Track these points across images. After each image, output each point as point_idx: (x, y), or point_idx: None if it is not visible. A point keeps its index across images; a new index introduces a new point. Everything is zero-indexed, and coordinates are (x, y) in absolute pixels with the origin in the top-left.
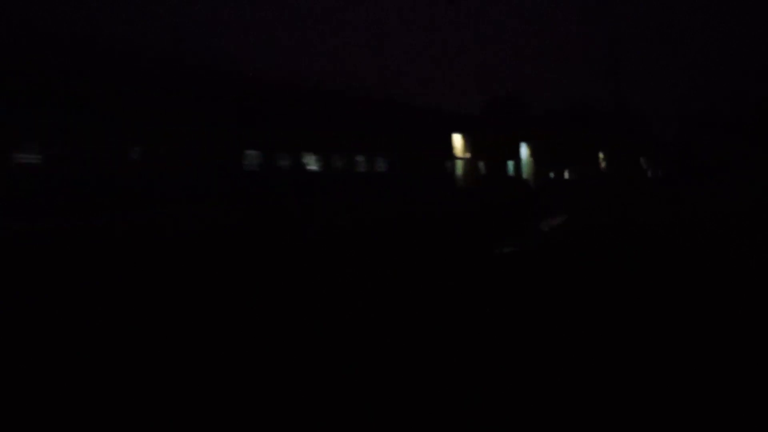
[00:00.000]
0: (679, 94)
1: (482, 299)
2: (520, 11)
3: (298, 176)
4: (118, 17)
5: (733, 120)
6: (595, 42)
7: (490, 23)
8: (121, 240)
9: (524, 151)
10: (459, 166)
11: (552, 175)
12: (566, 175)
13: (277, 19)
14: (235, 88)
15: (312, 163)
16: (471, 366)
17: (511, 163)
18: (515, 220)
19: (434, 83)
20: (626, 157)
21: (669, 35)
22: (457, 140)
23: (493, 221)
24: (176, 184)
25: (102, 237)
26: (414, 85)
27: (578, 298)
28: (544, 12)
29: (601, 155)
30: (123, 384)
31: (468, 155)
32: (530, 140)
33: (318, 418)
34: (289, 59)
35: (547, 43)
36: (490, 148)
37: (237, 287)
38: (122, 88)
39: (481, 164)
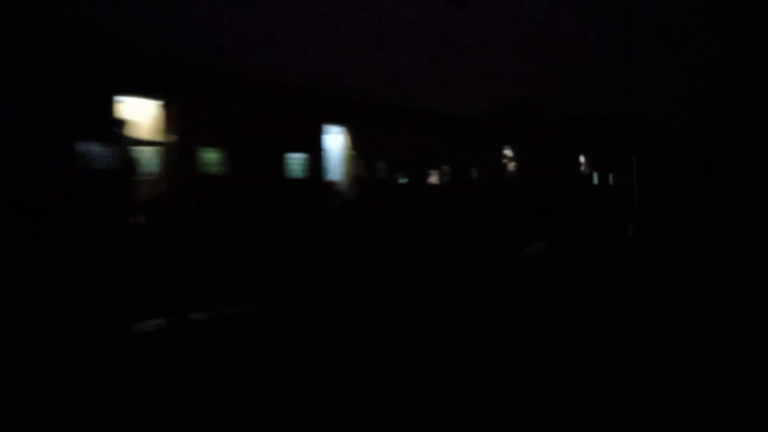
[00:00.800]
0: (692, 102)
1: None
2: (533, 17)
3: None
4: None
5: (745, 128)
6: (606, 48)
7: (502, 29)
8: None
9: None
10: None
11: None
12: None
13: (289, 23)
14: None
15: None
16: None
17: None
18: None
19: (444, 87)
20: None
21: (683, 42)
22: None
23: None
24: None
25: None
26: (424, 88)
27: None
28: (555, 19)
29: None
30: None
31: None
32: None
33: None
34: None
35: (560, 51)
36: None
37: None
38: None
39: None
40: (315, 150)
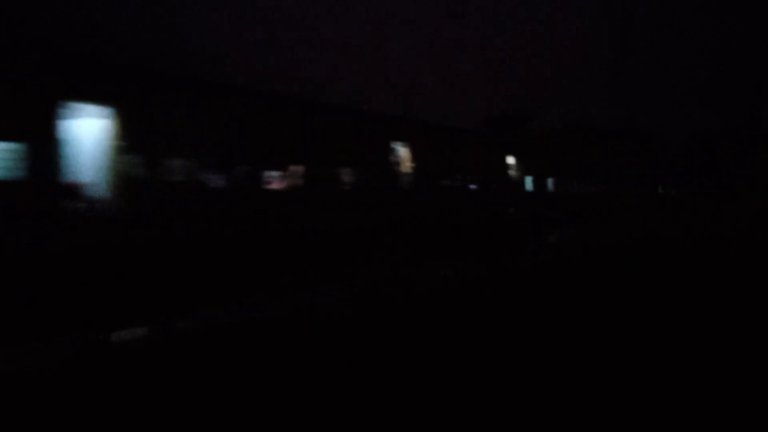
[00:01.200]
0: (692, 107)
1: None
2: (527, 25)
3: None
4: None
5: (740, 135)
6: (601, 57)
7: (495, 39)
8: None
9: None
10: None
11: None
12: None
13: (274, 31)
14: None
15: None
16: None
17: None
18: None
19: (440, 96)
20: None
21: (680, 49)
22: None
23: None
24: None
25: None
26: (418, 98)
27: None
28: (549, 28)
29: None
30: None
31: None
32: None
33: None
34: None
35: (555, 61)
36: None
37: None
38: None
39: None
40: (41, 137)
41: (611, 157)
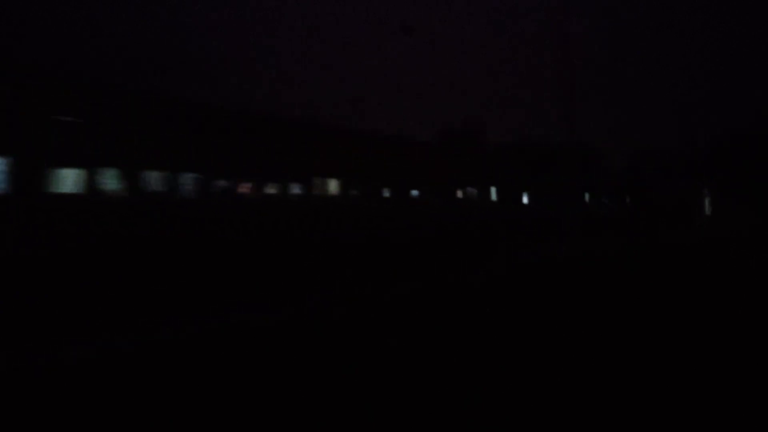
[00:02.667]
0: (632, 129)
1: None
2: (476, 41)
3: None
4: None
5: (683, 156)
6: (548, 75)
7: (444, 54)
8: None
9: None
10: None
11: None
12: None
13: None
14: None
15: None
16: None
17: None
18: None
19: (390, 111)
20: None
21: (626, 69)
22: None
23: None
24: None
25: None
26: (371, 112)
27: None
28: (496, 45)
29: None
30: None
31: None
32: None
33: None
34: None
35: (501, 77)
36: None
37: None
38: None
39: None
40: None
41: (556, 173)
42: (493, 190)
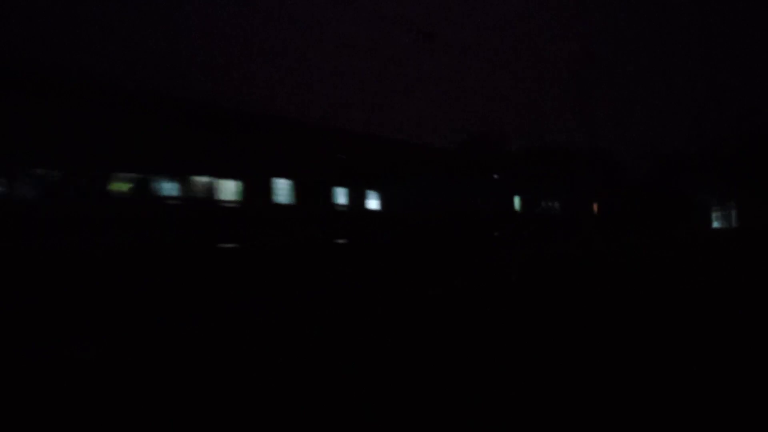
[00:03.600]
0: (655, 133)
1: None
2: (498, 46)
3: None
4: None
5: (707, 160)
6: (568, 80)
7: (466, 61)
8: None
9: None
10: None
11: None
12: None
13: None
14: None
15: None
16: None
17: None
18: None
19: (411, 119)
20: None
21: (647, 74)
22: None
23: None
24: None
25: None
26: (390, 120)
27: None
28: (521, 48)
29: None
30: None
31: None
32: None
33: None
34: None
35: (522, 82)
36: None
37: None
38: None
39: None
40: None
41: (572, 178)
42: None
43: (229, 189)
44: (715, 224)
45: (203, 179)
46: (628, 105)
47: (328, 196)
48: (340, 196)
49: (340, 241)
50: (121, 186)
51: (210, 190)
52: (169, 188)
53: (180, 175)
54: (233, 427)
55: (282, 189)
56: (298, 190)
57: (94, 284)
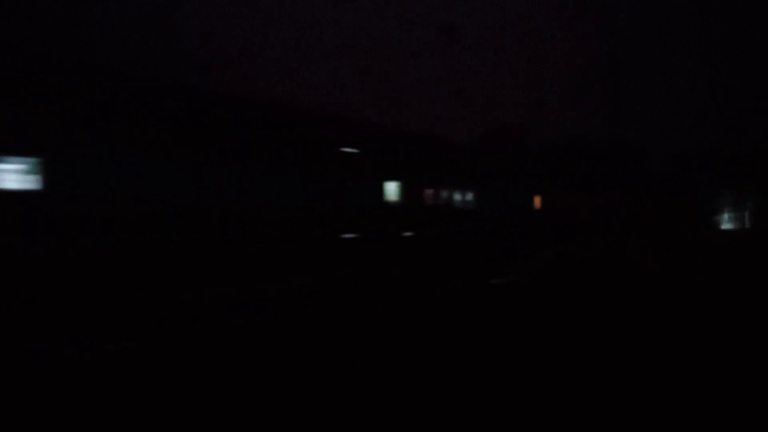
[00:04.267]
0: (678, 130)
1: None
2: (519, 41)
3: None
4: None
5: (722, 160)
6: (594, 74)
7: (487, 54)
8: None
9: None
10: None
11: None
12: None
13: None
14: None
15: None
16: None
17: None
18: None
19: (431, 112)
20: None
21: (671, 68)
22: None
23: None
24: None
25: None
26: (412, 113)
27: None
28: (540, 42)
29: None
30: None
31: None
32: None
33: None
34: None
35: (546, 75)
36: None
37: None
38: None
39: None
40: None
41: (594, 173)
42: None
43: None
44: (728, 225)
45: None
46: (650, 102)
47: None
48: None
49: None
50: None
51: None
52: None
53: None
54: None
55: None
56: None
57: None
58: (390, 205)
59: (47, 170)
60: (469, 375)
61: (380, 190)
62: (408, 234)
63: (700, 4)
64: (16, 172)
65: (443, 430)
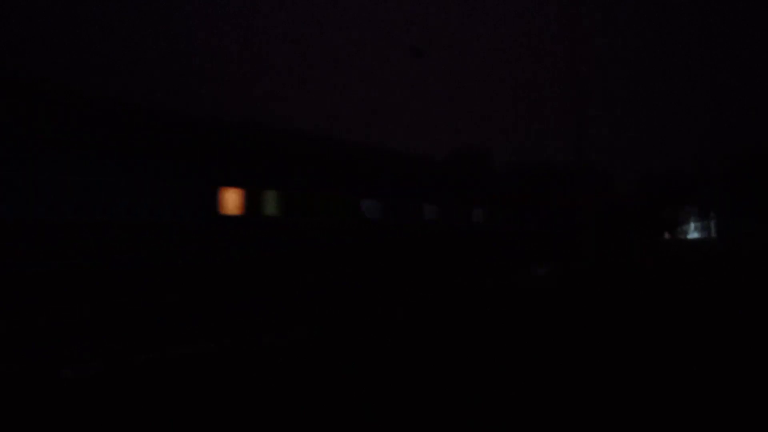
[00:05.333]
0: (644, 151)
1: None
2: (489, 62)
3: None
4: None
5: (689, 177)
6: (559, 95)
7: (455, 76)
8: None
9: None
10: None
11: None
12: None
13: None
14: None
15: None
16: None
17: None
18: None
19: (398, 131)
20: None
21: (637, 91)
22: None
23: None
24: None
25: None
26: (381, 131)
27: None
28: (508, 63)
29: None
30: None
31: None
32: None
33: None
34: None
35: (510, 96)
36: None
37: None
38: None
39: None
40: None
41: (560, 197)
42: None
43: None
44: (695, 235)
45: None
46: (618, 123)
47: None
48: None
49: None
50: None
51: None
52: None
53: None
54: None
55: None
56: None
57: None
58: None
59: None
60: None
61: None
62: None
63: (670, 25)
64: None
65: None
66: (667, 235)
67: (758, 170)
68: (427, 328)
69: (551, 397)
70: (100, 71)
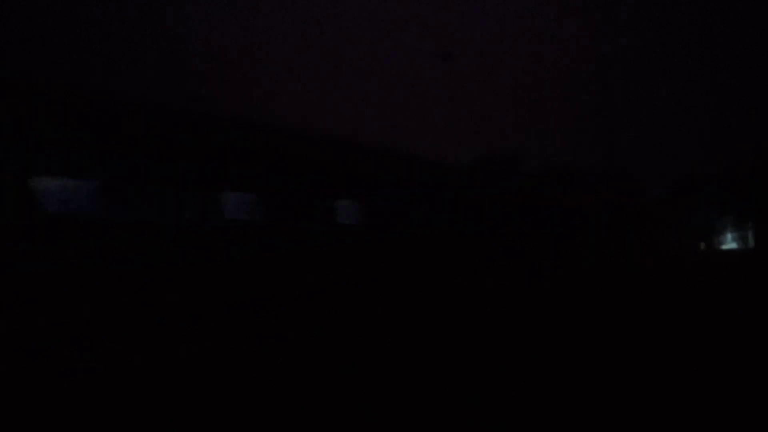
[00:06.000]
0: (674, 154)
1: None
2: (516, 68)
3: None
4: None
5: (724, 182)
6: (589, 100)
7: (483, 81)
8: None
9: None
10: None
11: None
12: None
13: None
14: None
15: None
16: None
17: None
18: None
19: (426, 136)
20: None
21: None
22: None
23: None
24: None
25: None
26: (408, 137)
27: None
28: (537, 69)
29: None
30: None
31: None
32: None
33: None
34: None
35: (541, 103)
36: None
37: None
38: None
39: None
40: None
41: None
42: None
43: None
44: (732, 245)
45: None
46: (646, 126)
47: None
48: None
49: None
50: None
51: None
52: None
53: None
54: None
55: None
56: None
57: None
58: None
59: None
60: None
61: None
62: None
63: (694, 30)
64: None
65: None
66: (702, 246)
67: None
68: (436, 325)
69: (551, 397)
70: (95, 70)
